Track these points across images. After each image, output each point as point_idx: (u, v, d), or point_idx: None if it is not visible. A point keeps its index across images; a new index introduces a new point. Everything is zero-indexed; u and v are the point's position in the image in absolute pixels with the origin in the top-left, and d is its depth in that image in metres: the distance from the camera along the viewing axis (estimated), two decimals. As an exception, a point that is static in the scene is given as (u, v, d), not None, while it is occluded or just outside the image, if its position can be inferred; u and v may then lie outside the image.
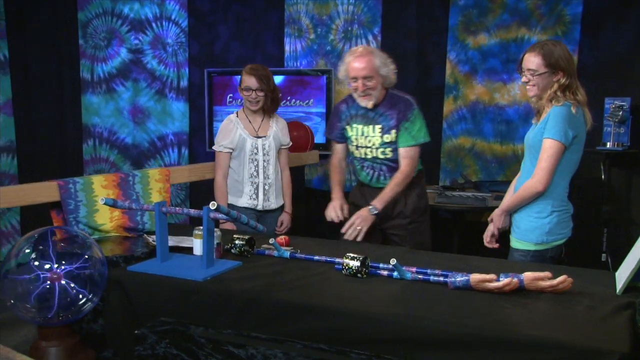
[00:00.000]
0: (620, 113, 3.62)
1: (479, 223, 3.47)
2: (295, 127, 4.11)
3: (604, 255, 3.79)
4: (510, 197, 2.76)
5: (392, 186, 3.02)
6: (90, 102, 5.41)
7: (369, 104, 3.03)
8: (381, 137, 3.07)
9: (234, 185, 3.32)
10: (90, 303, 2.21)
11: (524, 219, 2.63)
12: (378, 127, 3.07)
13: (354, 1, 4.76)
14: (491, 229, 2.74)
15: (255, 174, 3.28)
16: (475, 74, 4.37)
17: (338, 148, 3.27)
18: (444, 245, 3.71)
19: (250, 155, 3.28)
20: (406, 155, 3.04)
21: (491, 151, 4.37)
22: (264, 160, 3.30)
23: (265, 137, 3.33)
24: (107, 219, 2.75)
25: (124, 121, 5.45)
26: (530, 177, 2.53)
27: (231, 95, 4.91)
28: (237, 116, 3.35)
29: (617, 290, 2.06)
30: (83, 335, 2.36)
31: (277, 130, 3.39)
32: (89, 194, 2.75)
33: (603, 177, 3.81)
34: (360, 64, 2.95)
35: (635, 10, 3.85)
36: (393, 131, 3.05)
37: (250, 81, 3.23)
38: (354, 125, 3.14)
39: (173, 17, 5.29)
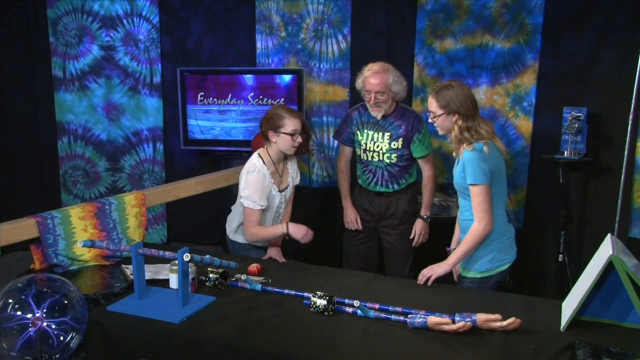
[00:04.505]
0: (577, 124, 3.77)
1: (445, 230, 3.64)
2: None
3: (561, 256, 4.01)
4: (456, 237, 2.96)
5: (429, 190, 3.59)
6: (63, 100, 5.44)
7: (379, 115, 3.44)
8: (389, 143, 3.48)
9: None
10: (73, 343, 2.34)
11: None
12: (387, 134, 3.47)
13: (323, 1, 4.79)
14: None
15: (276, 223, 3.27)
16: (442, 77, 4.47)
17: (346, 150, 3.70)
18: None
19: (277, 210, 3.24)
20: (426, 162, 3.57)
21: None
22: (284, 208, 3.32)
23: (287, 187, 3.27)
24: (85, 250, 2.86)
25: (98, 118, 5.49)
26: (475, 222, 2.68)
27: (202, 94, 4.97)
28: (264, 162, 3.13)
29: (561, 327, 2.26)
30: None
31: (292, 172, 3.33)
32: (67, 227, 2.85)
33: (561, 182, 4.00)
34: (375, 80, 3.34)
35: (593, 21, 3.97)
36: (400, 139, 3.46)
37: (297, 124, 3.09)
38: (365, 131, 3.53)
39: (144, 13, 5.29)
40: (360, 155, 3.59)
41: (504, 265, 2.80)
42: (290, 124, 3.06)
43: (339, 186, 3.72)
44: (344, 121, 3.67)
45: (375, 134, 3.49)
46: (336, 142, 4.12)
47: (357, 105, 3.65)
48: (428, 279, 2.72)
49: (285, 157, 3.23)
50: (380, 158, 3.51)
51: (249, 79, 4.89)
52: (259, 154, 3.15)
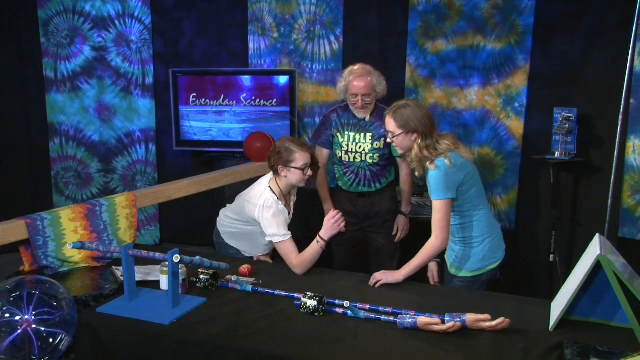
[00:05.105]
0: (567, 125, 3.79)
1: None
2: (259, 138, 4.22)
3: (552, 256, 4.02)
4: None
5: (408, 187, 3.67)
6: (55, 101, 5.43)
7: (367, 117, 3.49)
8: (371, 144, 3.50)
9: (254, 245, 3.22)
10: (62, 345, 2.33)
11: (460, 249, 2.84)
12: (369, 135, 3.50)
13: (316, 2, 4.80)
14: (432, 275, 3.09)
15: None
16: (434, 78, 4.49)
17: (324, 153, 3.68)
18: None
19: None
20: (404, 160, 3.58)
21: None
22: None
23: (290, 212, 3.19)
24: (75, 252, 2.85)
25: (90, 119, 5.48)
26: (433, 237, 2.69)
27: (194, 94, 4.97)
28: (277, 196, 3.03)
29: (550, 326, 2.27)
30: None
31: (293, 196, 3.25)
32: (57, 229, 2.84)
33: (552, 182, 4.01)
34: (361, 83, 3.40)
35: (583, 22, 3.99)
36: (382, 139, 3.49)
37: (307, 158, 3.01)
38: (346, 133, 3.55)
39: (136, 14, 5.29)
40: (341, 157, 3.60)
41: (495, 263, 2.82)
42: (301, 158, 2.98)
43: (318, 190, 3.69)
44: (322, 123, 3.68)
45: (357, 135, 3.52)
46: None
47: (334, 108, 3.68)
48: (377, 282, 2.73)
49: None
50: (363, 158, 3.54)
51: (241, 80, 4.90)
52: (270, 187, 3.04)
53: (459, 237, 2.84)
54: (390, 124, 2.76)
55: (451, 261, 2.90)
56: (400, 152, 2.84)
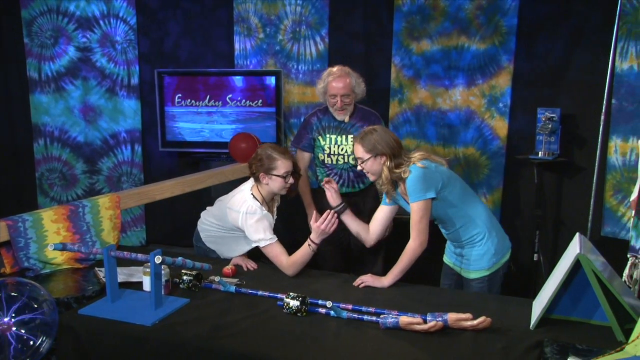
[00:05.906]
0: (550, 125, 3.82)
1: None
2: (244, 138, 4.21)
3: (535, 255, 4.05)
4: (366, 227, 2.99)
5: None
6: (39, 102, 5.40)
7: (346, 118, 3.52)
8: (353, 145, 3.37)
9: (238, 250, 3.13)
10: (43, 347, 2.32)
11: (468, 251, 2.83)
12: (350, 136, 3.52)
13: (301, 2, 4.81)
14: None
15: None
16: (419, 78, 4.51)
17: (305, 157, 3.68)
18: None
19: None
20: None
21: (434, 153, 4.49)
22: None
23: (274, 218, 3.15)
24: (58, 253, 2.83)
25: (75, 120, 5.45)
26: (411, 240, 2.70)
27: (180, 95, 4.96)
28: (260, 203, 3.00)
29: (531, 325, 2.28)
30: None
31: (277, 202, 3.21)
32: (39, 230, 2.82)
33: (535, 182, 4.04)
34: (339, 83, 3.42)
35: (566, 23, 4.03)
36: None
37: (289, 166, 2.98)
38: (328, 136, 3.57)
39: (121, 14, 5.26)
40: (323, 160, 3.62)
41: (507, 254, 2.85)
42: (283, 166, 2.95)
43: (301, 194, 3.64)
44: (302, 127, 3.69)
45: (339, 137, 3.54)
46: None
47: (314, 111, 3.70)
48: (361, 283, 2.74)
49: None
50: (346, 160, 3.56)
51: (227, 80, 4.89)
52: (252, 194, 3.00)
53: (463, 240, 2.82)
54: (359, 149, 2.78)
55: (462, 266, 2.88)
56: (372, 178, 2.83)
